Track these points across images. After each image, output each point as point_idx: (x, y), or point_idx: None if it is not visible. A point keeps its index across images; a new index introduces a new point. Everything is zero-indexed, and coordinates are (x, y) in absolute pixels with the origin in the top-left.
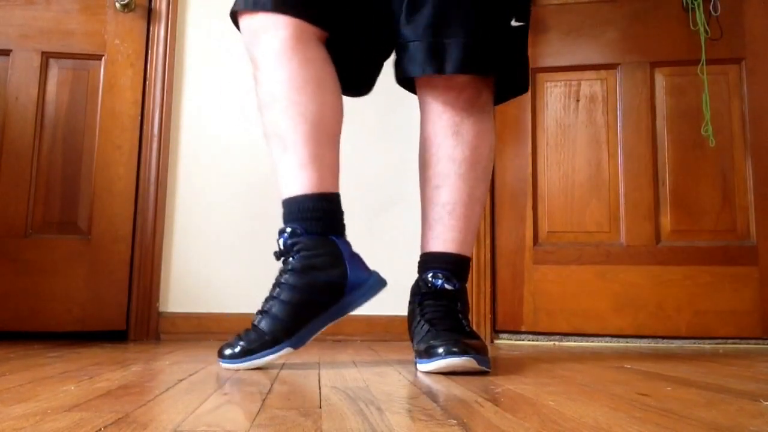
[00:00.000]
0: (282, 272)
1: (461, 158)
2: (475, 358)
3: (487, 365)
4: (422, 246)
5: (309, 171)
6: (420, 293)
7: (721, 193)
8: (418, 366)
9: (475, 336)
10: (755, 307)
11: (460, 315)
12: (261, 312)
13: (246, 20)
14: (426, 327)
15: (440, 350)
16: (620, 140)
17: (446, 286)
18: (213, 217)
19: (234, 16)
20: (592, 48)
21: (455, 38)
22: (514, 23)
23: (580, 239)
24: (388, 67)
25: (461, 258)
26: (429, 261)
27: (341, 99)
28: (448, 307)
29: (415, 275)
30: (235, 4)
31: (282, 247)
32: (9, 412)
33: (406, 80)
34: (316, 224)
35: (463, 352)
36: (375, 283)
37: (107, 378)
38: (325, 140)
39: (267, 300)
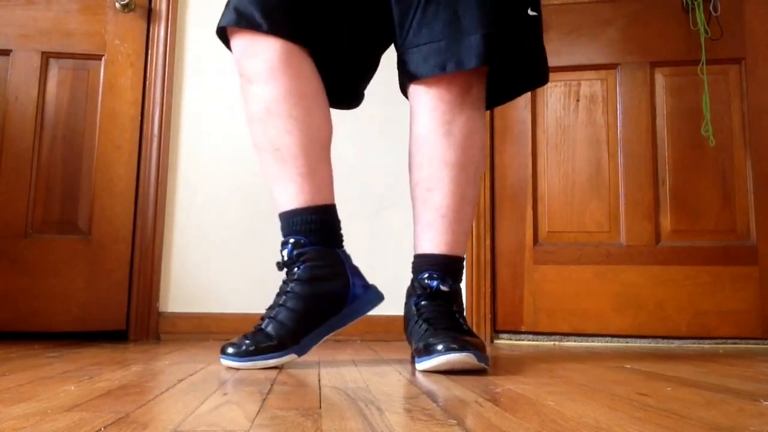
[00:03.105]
0: (287, 282)
1: (453, 161)
2: (474, 354)
3: (486, 362)
4: (415, 247)
5: (308, 184)
6: (416, 294)
7: (721, 193)
8: (417, 365)
9: (473, 334)
10: (755, 307)
11: (457, 315)
12: (267, 317)
13: (237, 38)
14: (424, 326)
15: (439, 347)
16: (620, 140)
17: (441, 287)
18: (213, 217)
19: (222, 32)
20: (592, 48)
21: (473, 33)
22: (530, 12)
23: (580, 239)
24: (387, 72)
25: (455, 259)
26: (423, 263)
27: (330, 112)
28: (444, 307)
29: None
30: (222, 19)
31: (287, 258)
32: (9, 412)
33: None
34: (318, 236)
35: (462, 348)
36: (374, 297)
37: (107, 378)
38: (321, 153)
39: (272, 307)
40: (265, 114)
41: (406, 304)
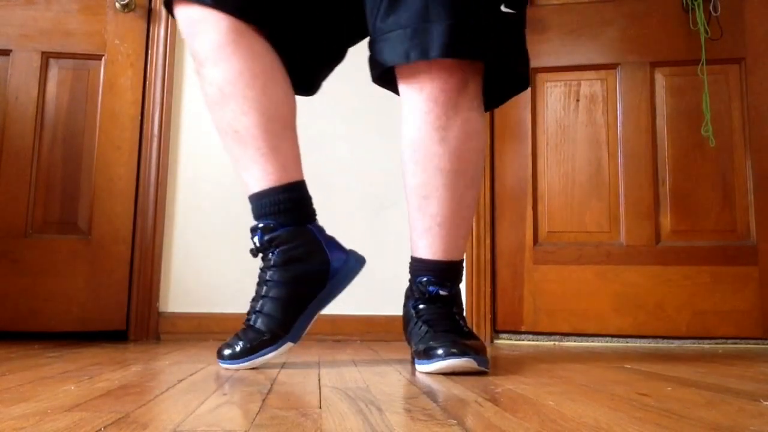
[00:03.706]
0: (264, 269)
1: (449, 168)
2: (474, 359)
3: (486, 365)
4: (413, 250)
5: (272, 164)
6: (414, 297)
7: (721, 193)
8: (418, 367)
9: (473, 336)
10: (755, 307)
11: (457, 317)
12: (253, 312)
13: (182, 11)
14: (424, 328)
15: (440, 351)
16: (620, 140)
17: (441, 292)
18: (213, 217)
19: (169, 4)
20: (592, 48)
21: (439, 22)
22: (504, 9)
23: (580, 239)
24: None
25: (454, 263)
26: (420, 267)
27: (291, 87)
28: (444, 309)
29: None
30: None
31: (258, 244)
32: (9, 412)
33: (386, 78)
34: (288, 216)
35: (462, 353)
36: (355, 263)
37: (107, 378)
38: (282, 130)
39: (256, 299)
40: (219, 97)
41: (404, 305)
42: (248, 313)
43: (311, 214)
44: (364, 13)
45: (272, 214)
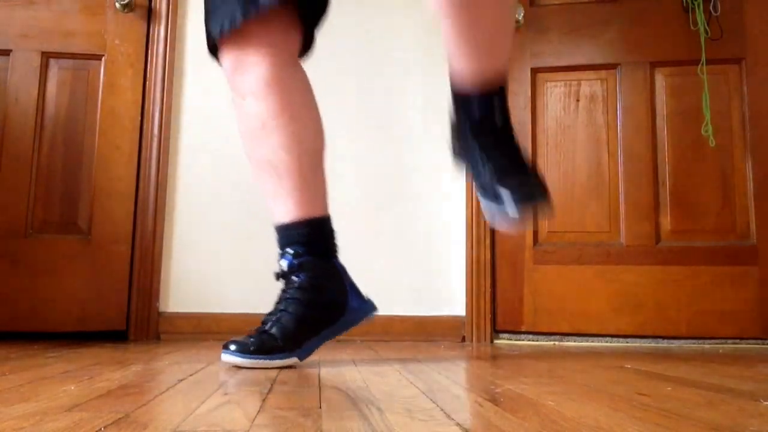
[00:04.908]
0: (287, 289)
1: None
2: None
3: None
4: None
5: (304, 198)
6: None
7: (721, 193)
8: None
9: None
10: (755, 307)
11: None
12: (270, 321)
13: (227, 52)
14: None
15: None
16: (620, 140)
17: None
18: (213, 217)
19: (213, 47)
20: (592, 48)
21: None
22: None
23: (580, 239)
24: (387, 71)
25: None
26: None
27: (322, 120)
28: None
29: (415, 275)
30: (214, 30)
31: (286, 269)
32: (9, 412)
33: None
34: (314, 247)
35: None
36: (370, 308)
37: (107, 378)
38: (317, 164)
39: (274, 312)
40: (260, 130)
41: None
42: (263, 322)
43: (334, 249)
44: None
45: (300, 244)
